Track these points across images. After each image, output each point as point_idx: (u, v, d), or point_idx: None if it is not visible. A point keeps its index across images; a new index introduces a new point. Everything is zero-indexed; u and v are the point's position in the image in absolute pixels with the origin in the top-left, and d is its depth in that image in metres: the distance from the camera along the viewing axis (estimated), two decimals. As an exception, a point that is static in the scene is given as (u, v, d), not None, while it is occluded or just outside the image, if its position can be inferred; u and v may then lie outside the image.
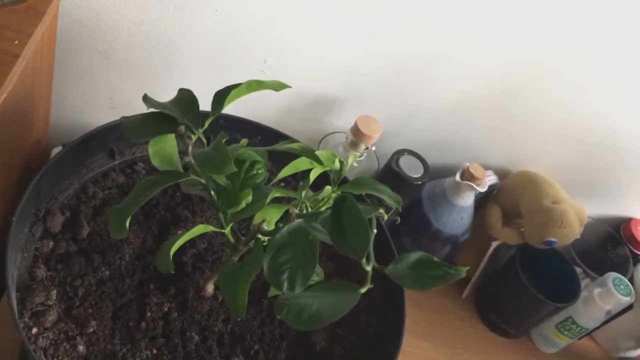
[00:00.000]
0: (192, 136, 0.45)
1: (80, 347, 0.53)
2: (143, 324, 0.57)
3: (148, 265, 0.60)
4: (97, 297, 0.57)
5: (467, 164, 0.91)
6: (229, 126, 0.70)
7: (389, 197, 0.48)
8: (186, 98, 0.48)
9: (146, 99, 0.48)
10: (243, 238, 0.52)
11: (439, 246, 0.97)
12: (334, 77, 0.90)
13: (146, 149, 0.68)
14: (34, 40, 0.65)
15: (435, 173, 0.98)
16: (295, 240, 0.46)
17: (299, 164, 0.50)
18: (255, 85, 0.47)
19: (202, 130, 0.46)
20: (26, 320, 0.53)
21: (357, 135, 0.86)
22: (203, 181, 0.46)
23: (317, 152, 0.48)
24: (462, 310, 1.02)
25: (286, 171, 0.50)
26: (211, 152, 0.42)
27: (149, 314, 0.57)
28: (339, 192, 0.49)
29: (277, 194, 0.48)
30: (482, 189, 0.91)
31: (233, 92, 0.46)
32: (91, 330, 0.55)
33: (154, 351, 0.56)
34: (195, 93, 0.85)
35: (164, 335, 0.57)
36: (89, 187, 0.63)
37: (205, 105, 0.79)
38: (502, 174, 1.00)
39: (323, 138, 0.92)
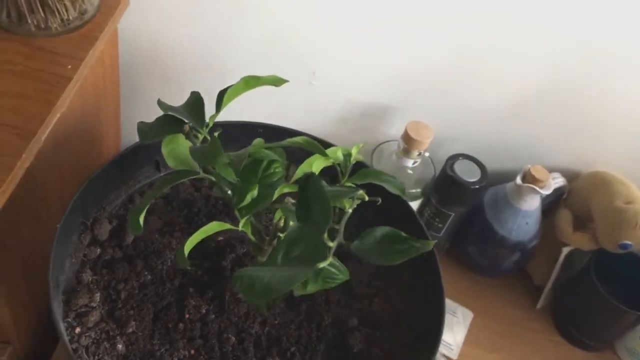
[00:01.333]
0: (199, 135, 0.47)
1: (120, 346, 0.56)
2: (181, 325, 0.59)
3: (188, 269, 0.63)
4: (138, 300, 0.60)
5: (529, 166, 0.87)
6: (267, 134, 0.72)
7: (393, 185, 0.47)
8: (194, 100, 0.50)
9: (160, 103, 0.50)
10: (267, 238, 0.52)
11: (506, 253, 0.93)
12: (382, 84, 0.89)
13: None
14: (87, 64, 0.70)
15: (498, 178, 0.95)
16: (306, 234, 0.47)
17: (313, 161, 0.50)
18: (253, 81, 0.48)
19: (207, 129, 0.47)
20: (70, 320, 0.56)
21: (408, 141, 0.85)
22: (213, 179, 0.47)
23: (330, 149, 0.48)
24: (536, 322, 0.97)
25: (302, 169, 0.50)
26: (206, 146, 0.43)
27: (187, 315, 0.59)
28: (348, 184, 0.49)
29: (285, 190, 0.48)
30: (546, 191, 0.87)
31: (230, 91, 0.48)
32: (131, 330, 0.57)
33: (192, 351, 0.58)
34: (251, 108, 0.89)
35: (202, 337, 0.59)
36: (136, 198, 0.67)
37: (260, 117, 0.81)
38: (571, 175, 0.95)
39: (376, 147, 0.91)
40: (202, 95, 0.93)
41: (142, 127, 0.50)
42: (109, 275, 0.60)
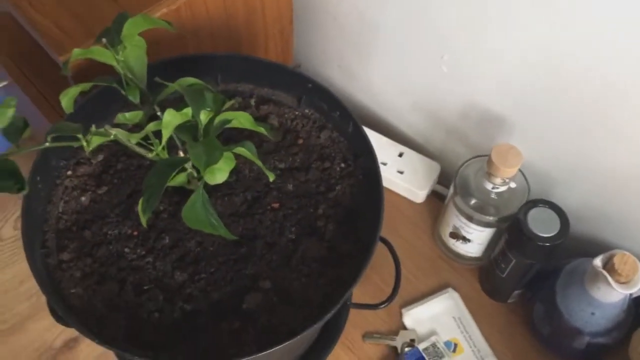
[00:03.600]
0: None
1: (84, 199, 0.69)
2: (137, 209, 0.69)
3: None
4: (128, 175, 0.71)
5: (617, 252, 0.71)
6: (313, 91, 0.74)
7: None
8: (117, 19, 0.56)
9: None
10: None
11: (565, 334, 0.79)
12: (511, 94, 0.80)
13: (247, 90, 0.78)
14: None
15: (597, 249, 0.79)
16: (163, 171, 0.52)
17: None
18: (148, 20, 0.51)
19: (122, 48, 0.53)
20: (68, 163, 0.70)
21: (489, 165, 0.77)
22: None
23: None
24: None
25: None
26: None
27: (149, 204, 0.69)
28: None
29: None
30: (627, 290, 0.70)
31: (129, 23, 0.52)
32: (101, 192, 0.69)
33: (135, 232, 0.68)
34: (385, 73, 0.88)
35: (149, 226, 0.68)
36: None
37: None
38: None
39: (467, 161, 0.83)
40: (360, 45, 0.97)
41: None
42: (121, 148, 0.73)
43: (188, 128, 0.54)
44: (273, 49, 1.03)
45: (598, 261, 0.71)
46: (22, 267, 1.23)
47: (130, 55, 0.54)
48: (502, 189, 0.79)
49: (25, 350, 1.18)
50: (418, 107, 0.95)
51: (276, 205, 0.70)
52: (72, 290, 0.63)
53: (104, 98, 0.70)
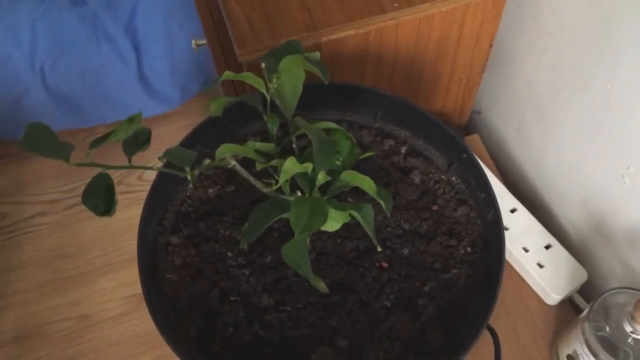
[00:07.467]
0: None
1: (211, 191, 0.70)
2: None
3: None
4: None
5: None
6: (468, 165, 0.68)
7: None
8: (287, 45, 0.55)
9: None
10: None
11: None
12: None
13: (402, 136, 0.74)
14: (410, 12, 0.77)
15: None
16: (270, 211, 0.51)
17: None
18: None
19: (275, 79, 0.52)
20: (212, 152, 0.72)
21: (636, 307, 0.67)
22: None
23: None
24: None
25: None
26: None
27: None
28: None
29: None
30: None
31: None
32: (228, 190, 0.71)
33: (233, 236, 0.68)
34: (563, 156, 0.82)
35: (258, 240, 0.68)
36: (343, 124, 0.75)
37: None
38: None
39: (616, 288, 0.73)
40: (534, 114, 0.89)
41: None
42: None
43: (308, 178, 0.52)
44: (454, 93, 0.98)
45: None
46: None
47: (286, 84, 0.53)
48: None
49: (127, 287, 1.22)
50: (586, 205, 0.85)
51: (385, 265, 0.66)
52: (168, 275, 0.66)
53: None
